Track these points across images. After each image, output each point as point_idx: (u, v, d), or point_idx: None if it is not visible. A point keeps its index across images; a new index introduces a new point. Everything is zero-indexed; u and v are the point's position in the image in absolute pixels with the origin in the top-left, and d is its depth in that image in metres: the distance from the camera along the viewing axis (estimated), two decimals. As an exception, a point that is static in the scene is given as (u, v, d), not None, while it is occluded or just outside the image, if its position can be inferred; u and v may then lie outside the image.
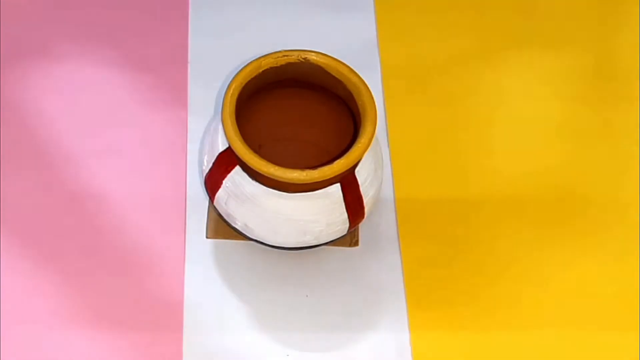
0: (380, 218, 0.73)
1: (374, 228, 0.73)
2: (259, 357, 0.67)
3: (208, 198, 0.72)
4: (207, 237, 0.71)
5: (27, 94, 0.76)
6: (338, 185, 0.63)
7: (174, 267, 0.70)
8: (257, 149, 0.66)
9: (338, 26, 0.82)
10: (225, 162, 0.64)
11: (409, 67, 0.81)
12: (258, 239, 0.67)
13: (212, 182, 0.65)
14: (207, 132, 0.69)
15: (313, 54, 0.64)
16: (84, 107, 0.76)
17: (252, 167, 0.60)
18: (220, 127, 0.64)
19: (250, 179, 0.63)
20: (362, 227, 0.72)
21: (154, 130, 0.75)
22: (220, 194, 0.65)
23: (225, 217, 0.67)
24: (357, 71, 0.64)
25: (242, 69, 0.64)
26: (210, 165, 0.65)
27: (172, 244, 0.71)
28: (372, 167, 0.66)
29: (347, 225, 0.66)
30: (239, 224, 0.66)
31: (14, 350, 0.66)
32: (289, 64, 0.65)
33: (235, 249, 0.71)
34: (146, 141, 0.75)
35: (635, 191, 0.76)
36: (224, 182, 0.64)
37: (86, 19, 0.80)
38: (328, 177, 0.61)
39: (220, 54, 0.79)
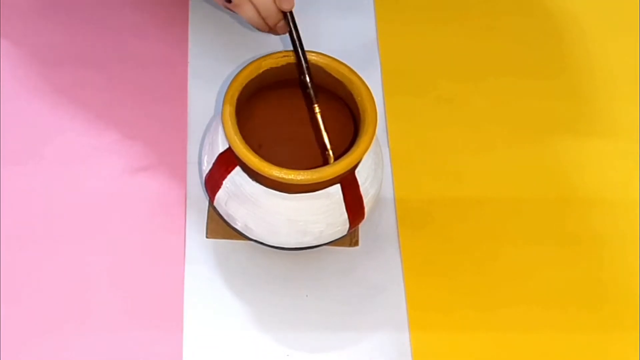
0: (380, 218, 0.73)
1: (374, 228, 0.73)
2: (259, 357, 0.67)
3: (208, 198, 0.72)
4: (207, 237, 0.71)
5: (27, 94, 0.76)
6: (338, 185, 0.63)
7: (174, 267, 0.70)
8: (257, 149, 0.66)
9: (338, 26, 0.82)
10: (225, 162, 0.64)
11: (409, 67, 0.81)
12: (258, 239, 0.67)
13: (212, 182, 0.66)
14: (207, 132, 0.69)
15: (313, 54, 0.64)
16: (83, 106, 0.76)
17: (252, 167, 0.60)
18: (220, 127, 0.64)
19: (250, 180, 0.63)
20: (362, 227, 0.72)
21: (153, 130, 0.75)
22: (220, 194, 0.65)
23: (225, 218, 0.67)
24: (357, 71, 0.64)
25: (242, 69, 0.64)
26: (210, 165, 0.65)
27: (172, 244, 0.71)
28: (372, 167, 0.66)
29: (347, 225, 0.66)
30: (239, 224, 0.66)
31: (14, 349, 0.66)
32: (289, 64, 0.65)
33: (235, 249, 0.71)
34: (146, 141, 0.75)
35: (636, 191, 0.76)
36: (224, 182, 0.64)
37: (86, 20, 0.80)
38: (328, 178, 0.61)
39: (220, 54, 0.79)
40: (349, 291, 0.70)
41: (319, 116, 0.64)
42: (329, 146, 0.64)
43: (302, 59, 0.64)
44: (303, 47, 0.64)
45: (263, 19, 0.67)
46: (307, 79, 0.64)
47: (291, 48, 0.64)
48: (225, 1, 0.68)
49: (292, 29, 0.65)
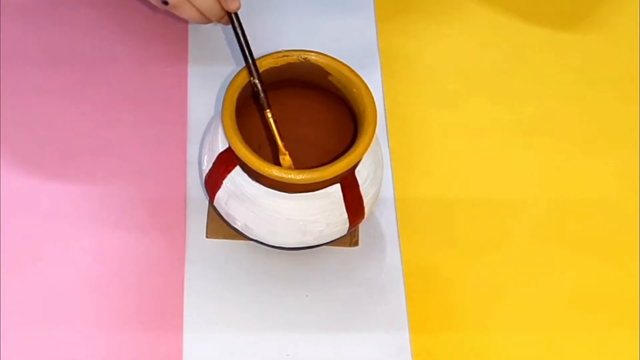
0: (380, 218, 0.73)
1: (374, 228, 0.73)
2: (259, 357, 0.67)
3: (208, 198, 0.72)
4: (207, 237, 0.71)
5: (28, 94, 0.76)
6: (338, 185, 0.63)
7: (174, 267, 0.70)
8: (257, 149, 0.66)
9: (338, 26, 0.82)
10: (225, 162, 0.64)
11: (409, 67, 0.81)
12: (258, 239, 0.67)
13: (212, 182, 0.66)
14: (207, 132, 0.69)
15: (313, 54, 0.64)
16: (83, 106, 0.76)
17: (252, 167, 0.60)
18: (220, 127, 0.64)
19: (250, 179, 0.63)
20: (362, 227, 0.72)
21: (153, 129, 0.75)
22: (220, 194, 0.65)
23: (225, 217, 0.67)
24: (357, 71, 0.64)
25: (242, 69, 0.64)
26: (210, 165, 0.65)
27: (172, 244, 0.71)
28: (372, 167, 0.66)
29: (347, 225, 0.66)
30: (239, 224, 0.66)
31: (14, 348, 0.66)
32: (289, 64, 0.64)
33: (235, 249, 0.71)
34: (146, 141, 0.75)
35: (636, 192, 0.76)
36: (224, 182, 0.64)
37: (85, 20, 0.80)
38: (328, 177, 0.61)
39: (220, 54, 0.79)
40: (349, 291, 0.70)
41: (271, 121, 0.63)
42: (282, 148, 0.64)
43: (248, 59, 0.63)
44: (249, 46, 0.63)
45: (206, 17, 0.67)
46: (257, 82, 0.62)
47: (291, 48, 0.64)
48: (162, 3, 0.67)
49: (238, 28, 0.64)
